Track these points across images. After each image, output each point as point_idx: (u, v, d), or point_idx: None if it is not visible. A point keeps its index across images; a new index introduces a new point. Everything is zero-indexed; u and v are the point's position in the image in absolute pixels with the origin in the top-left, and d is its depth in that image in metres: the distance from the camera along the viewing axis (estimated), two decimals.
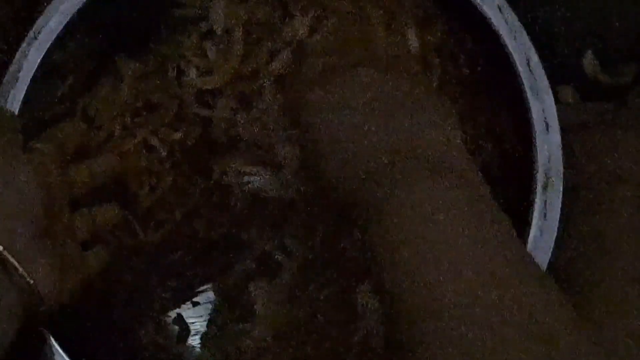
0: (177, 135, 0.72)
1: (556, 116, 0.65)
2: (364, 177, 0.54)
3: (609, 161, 0.71)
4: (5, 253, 0.54)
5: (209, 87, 0.71)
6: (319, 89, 0.60)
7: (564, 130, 0.65)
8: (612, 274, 0.67)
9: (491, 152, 0.71)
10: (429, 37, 0.70)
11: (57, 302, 0.58)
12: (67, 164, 0.64)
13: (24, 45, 0.68)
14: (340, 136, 0.57)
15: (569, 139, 0.66)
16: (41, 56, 0.68)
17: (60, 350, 0.63)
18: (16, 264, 0.54)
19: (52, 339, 0.63)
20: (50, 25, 0.68)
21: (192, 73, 0.72)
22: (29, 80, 0.68)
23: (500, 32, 0.66)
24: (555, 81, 0.73)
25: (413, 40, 0.69)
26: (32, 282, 0.55)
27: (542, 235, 0.64)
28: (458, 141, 0.57)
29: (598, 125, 0.74)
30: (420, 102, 0.59)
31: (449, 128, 0.57)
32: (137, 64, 0.73)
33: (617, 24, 0.81)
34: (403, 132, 0.56)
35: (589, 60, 0.81)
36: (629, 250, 0.67)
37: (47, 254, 0.57)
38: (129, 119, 0.73)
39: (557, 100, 0.69)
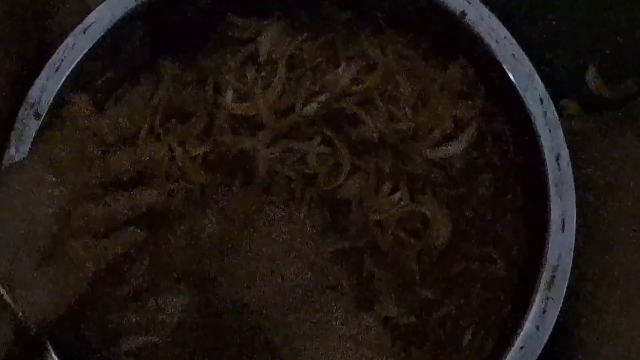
0: (201, 150, 0.72)
1: (575, 218, 0.65)
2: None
3: (608, 171, 0.72)
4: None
5: (241, 113, 0.71)
6: None
7: (567, 140, 0.67)
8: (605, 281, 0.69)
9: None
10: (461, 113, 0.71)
11: (56, 315, 0.58)
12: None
13: (70, 37, 0.69)
14: None
15: (573, 148, 0.67)
16: (88, 48, 0.69)
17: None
18: (9, 299, 0.55)
19: (51, 348, 0.63)
20: (101, 21, 0.69)
21: (229, 95, 0.72)
22: (69, 72, 0.69)
23: (536, 124, 0.66)
24: (558, 95, 0.76)
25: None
26: (22, 314, 0.55)
27: (538, 330, 0.64)
28: None
29: (600, 135, 0.75)
30: None
31: None
32: (179, 70, 0.74)
33: (619, 39, 0.82)
34: None
35: (591, 75, 0.81)
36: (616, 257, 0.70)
37: (49, 278, 0.57)
38: (158, 121, 0.73)
39: (561, 114, 0.71)
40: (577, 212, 0.66)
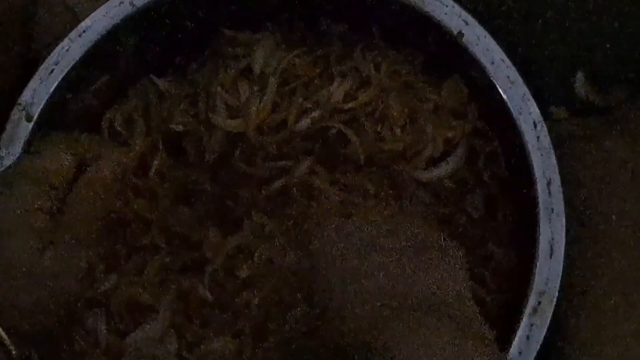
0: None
1: (564, 244, 0.64)
2: (375, 318, 0.56)
3: (598, 173, 0.72)
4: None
5: (232, 130, 0.70)
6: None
7: (556, 143, 0.67)
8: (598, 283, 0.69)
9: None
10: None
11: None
12: None
13: (65, 41, 0.69)
14: (350, 276, 0.58)
15: (561, 151, 0.67)
16: (82, 53, 0.69)
17: None
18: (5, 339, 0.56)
19: None
20: (96, 26, 0.69)
21: (222, 110, 0.71)
22: (63, 75, 0.68)
23: (529, 148, 0.66)
24: (548, 102, 0.77)
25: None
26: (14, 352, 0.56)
27: (520, 355, 0.64)
28: (469, 295, 0.59)
29: (588, 138, 0.75)
30: (435, 251, 0.60)
31: (462, 281, 0.59)
32: (169, 86, 0.74)
33: (607, 45, 0.82)
34: (417, 283, 0.57)
35: (580, 82, 0.81)
36: (610, 259, 0.70)
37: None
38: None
39: (549, 118, 0.73)
40: (567, 210, 0.66)
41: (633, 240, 0.72)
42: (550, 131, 0.67)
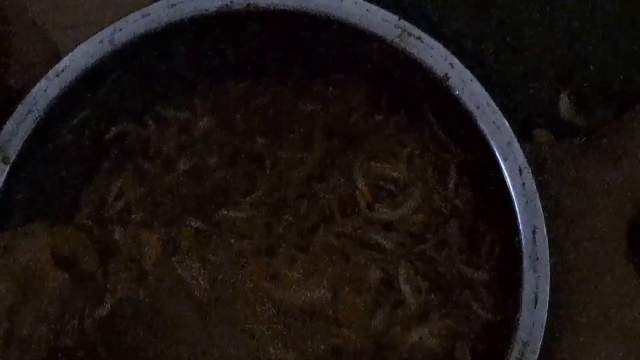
0: None
1: (548, 293, 0.64)
2: None
3: (580, 194, 0.72)
4: None
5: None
6: None
7: (538, 167, 0.67)
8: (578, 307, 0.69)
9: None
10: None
11: None
12: None
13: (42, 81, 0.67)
14: None
15: (543, 175, 0.67)
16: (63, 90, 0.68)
17: None
18: None
19: None
20: (75, 65, 0.68)
21: None
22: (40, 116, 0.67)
23: (514, 195, 0.65)
24: (531, 123, 0.78)
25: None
26: None
27: None
28: None
29: (571, 160, 0.75)
30: None
31: None
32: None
33: (591, 68, 0.83)
34: None
35: (564, 104, 0.82)
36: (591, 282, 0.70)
37: None
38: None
39: (533, 141, 0.73)
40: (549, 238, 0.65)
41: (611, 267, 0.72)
42: (532, 155, 0.67)
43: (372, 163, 0.71)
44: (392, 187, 0.70)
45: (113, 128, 0.74)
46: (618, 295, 0.73)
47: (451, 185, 0.71)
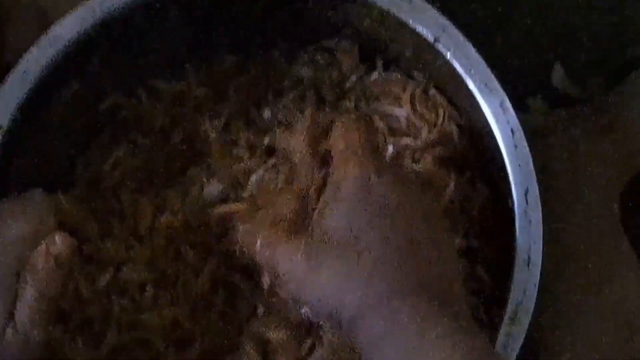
0: None
1: (540, 254, 0.64)
2: (363, 307, 0.53)
3: (573, 163, 0.74)
4: None
5: None
6: None
7: (531, 136, 0.66)
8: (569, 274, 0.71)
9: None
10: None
11: None
12: None
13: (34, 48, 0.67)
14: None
15: (537, 144, 0.67)
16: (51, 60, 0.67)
17: None
18: None
19: None
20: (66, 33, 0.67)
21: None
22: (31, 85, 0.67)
23: (506, 157, 0.65)
24: (525, 92, 0.80)
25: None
26: None
27: None
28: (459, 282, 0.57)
29: (563, 130, 0.76)
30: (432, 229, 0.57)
31: (455, 266, 0.57)
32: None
33: (584, 38, 0.85)
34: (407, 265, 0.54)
35: (557, 73, 0.83)
36: (583, 250, 0.71)
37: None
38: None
39: (527, 110, 0.74)
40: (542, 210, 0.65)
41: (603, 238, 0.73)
42: (525, 124, 0.67)
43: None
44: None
45: (106, 100, 0.74)
46: (609, 266, 0.73)
47: None
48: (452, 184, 0.69)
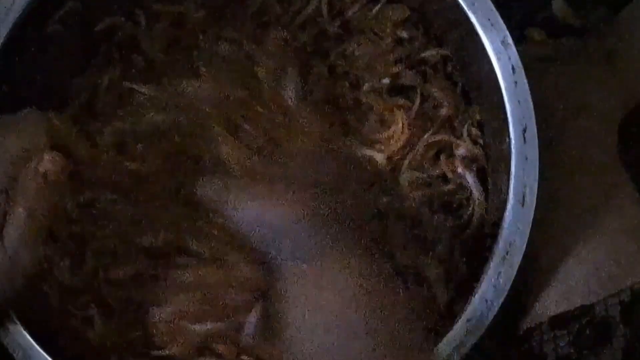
0: None
1: (536, 194, 0.64)
2: None
3: (573, 93, 0.73)
4: None
5: None
6: None
7: (530, 65, 0.66)
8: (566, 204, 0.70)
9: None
10: None
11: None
12: None
13: None
14: None
15: (535, 74, 0.66)
16: None
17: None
18: None
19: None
20: None
21: None
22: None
23: (505, 94, 0.65)
24: (525, 23, 0.79)
25: None
26: None
27: (487, 302, 0.64)
28: None
29: (563, 60, 0.75)
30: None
31: None
32: None
33: None
34: None
35: (558, 3, 0.82)
36: (581, 180, 0.71)
37: None
38: None
39: (525, 41, 0.73)
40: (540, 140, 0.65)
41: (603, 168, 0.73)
42: (525, 54, 0.66)
43: None
44: None
45: (103, 20, 0.73)
46: (606, 195, 0.73)
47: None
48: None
